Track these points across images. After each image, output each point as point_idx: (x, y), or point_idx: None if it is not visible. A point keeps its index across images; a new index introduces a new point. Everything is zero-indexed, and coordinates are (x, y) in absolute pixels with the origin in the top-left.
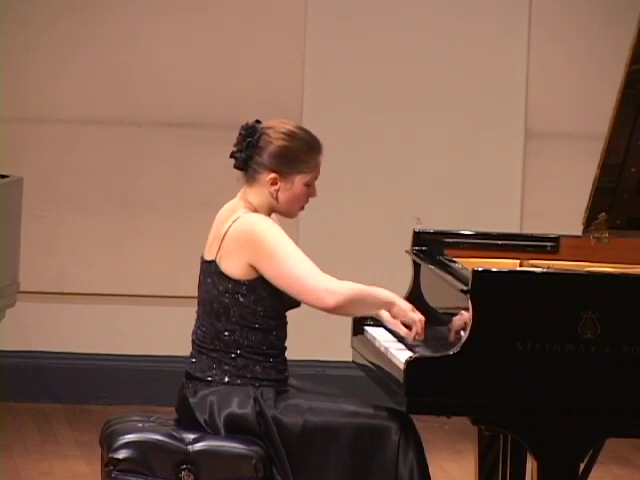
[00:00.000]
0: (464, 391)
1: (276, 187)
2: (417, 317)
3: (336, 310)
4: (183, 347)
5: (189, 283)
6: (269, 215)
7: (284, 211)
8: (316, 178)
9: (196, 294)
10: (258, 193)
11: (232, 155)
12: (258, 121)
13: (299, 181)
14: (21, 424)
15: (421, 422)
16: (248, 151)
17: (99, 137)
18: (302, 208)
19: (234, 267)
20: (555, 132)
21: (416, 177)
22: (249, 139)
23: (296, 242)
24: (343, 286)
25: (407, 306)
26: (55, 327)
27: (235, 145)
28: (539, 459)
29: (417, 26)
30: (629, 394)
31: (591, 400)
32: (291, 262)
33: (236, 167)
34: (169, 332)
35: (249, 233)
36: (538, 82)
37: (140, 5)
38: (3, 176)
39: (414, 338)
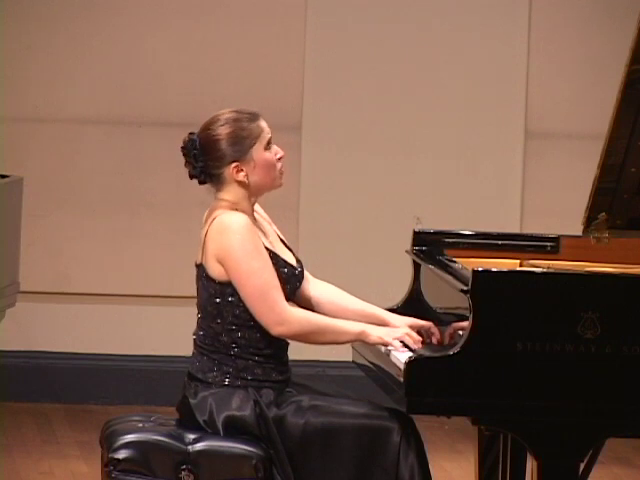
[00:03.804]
0: (464, 391)
1: (243, 173)
2: (399, 334)
3: (284, 338)
4: (183, 347)
5: (189, 283)
6: (254, 202)
7: (264, 186)
8: (270, 139)
9: (195, 294)
10: (232, 190)
11: (191, 176)
12: (192, 133)
13: (256, 152)
14: (21, 424)
15: (421, 422)
16: (200, 162)
17: (99, 137)
18: (281, 174)
19: (217, 270)
20: (555, 132)
21: (416, 177)
22: (194, 152)
23: (296, 242)
24: (297, 319)
25: (383, 331)
26: (55, 327)
27: (186, 166)
28: (539, 459)
29: (417, 26)
30: (629, 394)
31: (591, 400)
32: (253, 278)
33: (202, 182)
34: (169, 332)
35: (220, 235)
36: (538, 82)
37: (140, 5)
38: (3, 176)
39: (416, 346)
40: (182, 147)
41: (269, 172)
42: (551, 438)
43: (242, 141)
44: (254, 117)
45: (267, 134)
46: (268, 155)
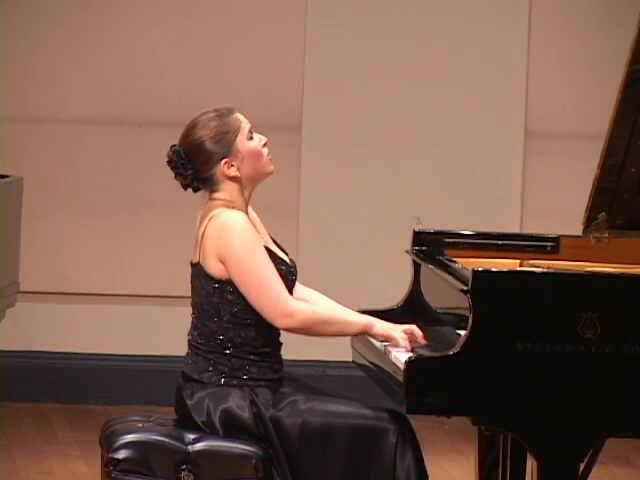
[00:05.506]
0: (464, 391)
1: (234, 167)
2: (404, 328)
3: (290, 331)
4: (183, 347)
5: (189, 283)
6: (248, 197)
7: (257, 176)
8: (250, 129)
9: None
10: (226, 188)
11: (185, 187)
12: (173, 145)
13: (241, 144)
14: (21, 424)
15: (421, 422)
16: (189, 170)
17: (99, 137)
18: (270, 159)
19: (215, 267)
20: (555, 132)
21: (416, 177)
22: (181, 162)
23: (296, 243)
24: (302, 310)
25: (388, 325)
26: (55, 327)
27: (176, 178)
28: (539, 459)
29: (417, 26)
30: (629, 394)
31: (591, 400)
32: (255, 273)
33: (196, 189)
34: (169, 332)
35: (219, 232)
36: (538, 82)
37: (140, 5)
38: (3, 176)
39: (412, 347)
40: (168, 162)
41: (258, 160)
42: (551, 438)
43: (225, 137)
44: (229, 111)
45: (246, 124)
46: (253, 144)
